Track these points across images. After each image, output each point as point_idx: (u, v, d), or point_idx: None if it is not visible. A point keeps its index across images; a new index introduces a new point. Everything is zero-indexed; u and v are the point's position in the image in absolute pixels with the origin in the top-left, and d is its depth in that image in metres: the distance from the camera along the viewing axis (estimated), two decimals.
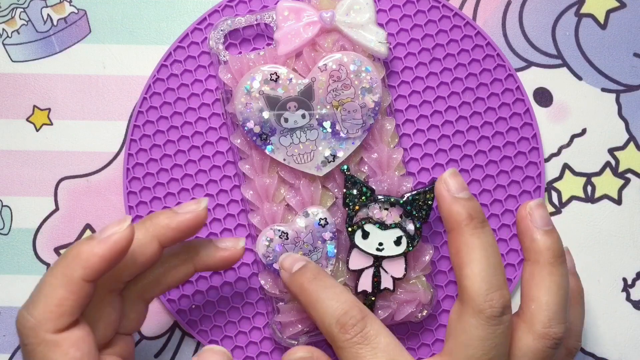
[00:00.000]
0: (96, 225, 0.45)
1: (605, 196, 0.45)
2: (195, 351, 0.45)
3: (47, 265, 0.45)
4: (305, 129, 0.41)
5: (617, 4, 0.46)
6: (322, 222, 0.41)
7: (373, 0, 0.41)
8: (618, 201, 0.45)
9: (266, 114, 0.40)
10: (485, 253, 0.34)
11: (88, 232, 0.45)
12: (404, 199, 0.40)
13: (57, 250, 0.45)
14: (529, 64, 0.45)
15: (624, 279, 0.45)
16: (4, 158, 0.45)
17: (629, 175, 0.45)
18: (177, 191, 0.43)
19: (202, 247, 0.37)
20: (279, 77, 0.40)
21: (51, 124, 0.45)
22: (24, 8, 0.45)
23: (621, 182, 0.45)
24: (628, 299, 0.45)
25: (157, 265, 0.37)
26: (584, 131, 0.45)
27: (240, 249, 0.38)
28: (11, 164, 0.45)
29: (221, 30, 0.42)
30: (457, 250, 0.35)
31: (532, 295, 0.35)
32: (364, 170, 0.42)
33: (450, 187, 0.36)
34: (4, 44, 0.45)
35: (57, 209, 0.45)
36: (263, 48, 0.43)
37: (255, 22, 0.42)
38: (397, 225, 0.40)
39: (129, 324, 0.37)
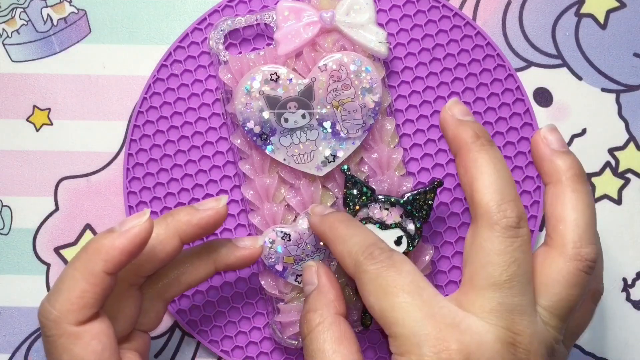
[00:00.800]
0: (96, 225, 0.45)
1: (605, 196, 0.45)
2: (196, 351, 0.45)
3: (47, 265, 0.45)
4: (306, 129, 0.41)
5: (617, 4, 0.46)
6: None
7: (373, 1, 0.41)
8: (618, 201, 0.45)
9: (266, 114, 0.40)
10: (495, 167, 0.33)
11: (88, 232, 0.45)
12: (405, 199, 0.40)
13: (57, 250, 0.45)
14: (529, 64, 0.45)
15: (624, 279, 0.45)
16: (4, 158, 0.45)
17: (629, 175, 0.45)
18: (177, 191, 0.43)
19: (222, 246, 0.38)
20: (279, 77, 0.40)
21: (51, 124, 0.45)
22: (24, 8, 0.45)
23: (621, 182, 0.45)
24: (628, 299, 0.45)
25: (178, 265, 0.38)
26: (584, 131, 0.45)
27: (259, 247, 0.38)
28: (11, 164, 0.45)
29: (221, 30, 0.42)
30: (465, 168, 0.34)
31: (557, 216, 0.33)
32: (364, 170, 0.42)
33: (455, 112, 0.35)
34: (4, 44, 0.45)
35: (57, 209, 0.45)
36: (263, 48, 0.43)
37: (255, 22, 0.42)
38: (397, 225, 0.40)
39: (147, 321, 0.37)
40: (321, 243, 0.41)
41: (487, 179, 0.33)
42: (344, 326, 0.34)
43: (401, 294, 0.31)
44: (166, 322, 0.45)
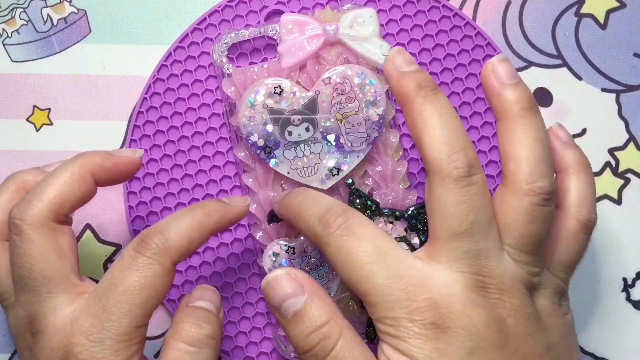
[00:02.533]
0: (96, 225, 0.45)
1: (605, 196, 0.45)
2: None
3: None
4: (310, 142, 0.41)
5: (617, 4, 0.46)
6: None
7: (377, 14, 0.41)
8: (618, 201, 0.45)
9: (270, 127, 0.40)
10: (440, 117, 0.32)
11: (88, 232, 0.45)
12: (409, 213, 0.40)
13: None
14: (529, 64, 0.45)
15: (624, 279, 0.45)
16: (4, 158, 0.45)
17: (629, 175, 0.45)
18: (177, 191, 0.43)
19: (96, 156, 0.36)
20: (282, 90, 0.40)
21: (51, 124, 0.45)
22: (24, 8, 0.45)
23: (621, 182, 0.45)
24: (628, 299, 0.45)
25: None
26: (584, 131, 0.45)
27: (138, 157, 0.37)
28: (11, 164, 0.45)
29: (225, 43, 0.41)
30: (412, 122, 0.33)
31: (508, 155, 0.33)
32: (368, 184, 0.42)
33: (397, 62, 0.34)
34: (4, 44, 0.45)
35: None
36: (265, 59, 0.43)
37: (259, 35, 0.42)
38: (402, 239, 0.40)
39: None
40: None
41: (433, 132, 0.32)
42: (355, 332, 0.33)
43: (365, 265, 0.31)
44: (166, 322, 0.45)
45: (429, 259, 0.32)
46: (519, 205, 0.32)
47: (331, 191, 0.41)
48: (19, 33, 0.45)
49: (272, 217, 0.40)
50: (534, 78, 0.45)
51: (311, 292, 0.32)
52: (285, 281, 0.33)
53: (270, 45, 0.43)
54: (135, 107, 0.44)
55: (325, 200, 0.34)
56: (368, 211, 0.40)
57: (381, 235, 0.32)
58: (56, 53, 0.45)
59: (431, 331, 0.30)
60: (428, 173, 0.32)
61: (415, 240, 0.40)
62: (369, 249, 0.32)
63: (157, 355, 0.45)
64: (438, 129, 0.32)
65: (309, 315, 0.32)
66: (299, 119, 0.40)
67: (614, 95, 0.45)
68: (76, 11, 0.45)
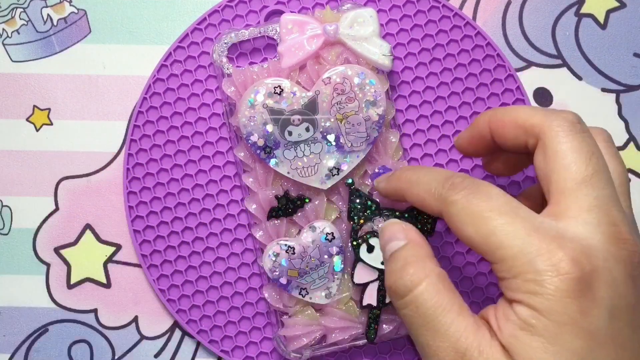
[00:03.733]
0: (96, 225, 0.45)
1: None
2: (196, 351, 0.45)
3: (47, 265, 0.45)
4: (310, 142, 0.41)
5: (617, 4, 0.46)
6: (329, 236, 0.41)
7: (377, 14, 0.41)
8: None
9: (270, 127, 0.40)
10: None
11: (88, 232, 0.45)
12: (409, 213, 0.40)
13: (57, 250, 0.45)
14: (529, 64, 0.45)
15: None
16: (4, 158, 0.45)
17: (629, 175, 0.45)
18: (177, 191, 0.43)
19: None
20: (282, 90, 0.40)
21: (51, 124, 0.45)
22: (24, 8, 0.45)
23: None
24: None
25: None
26: None
27: None
28: (11, 164, 0.45)
29: (225, 43, 0.41)
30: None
31: None
32: (368, 184, 0.42)
33: None
34: (4, 44, 0.45)
35: (57, 209, 0.45)
36: (265, 59, 0.43)
37: (259, 35, 0.42)
38: None
39: None
40: (326, 257, 0.40)
41: (527, 108, 0.34)
42: (450, 281, 0.32)
43: (498, 216, 0.30)
44: (166, 322, 0.45)
45: (557, 218, 0.31)
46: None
47: (331, 191, 0.41)
48: (19, 33, 0.45)
49: (272, 214, 0.40)
50: (534, 78, 0.45)
51: (411, 240, 0.34)
52: (393, 227, 0.35)
53: (270, 45, 0.43)
54: (135, 107, 0.44)
55: (443, 170, 0.35)
56: (368, 211, 0.40)
57: (508, 194, 0.32)
58: (56, 53, 0.45)
59: (577, 288, 0.28)
60: (539, 137, 0.32)
61: None
62: (500, 202, 0.31)
63: (157, 355, 0.45)
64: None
65: (403, 255, 0.33)
66: (299, 119, 0.40)
67: (614, 95, 0.45)
68: (76, 11, 0.45)
